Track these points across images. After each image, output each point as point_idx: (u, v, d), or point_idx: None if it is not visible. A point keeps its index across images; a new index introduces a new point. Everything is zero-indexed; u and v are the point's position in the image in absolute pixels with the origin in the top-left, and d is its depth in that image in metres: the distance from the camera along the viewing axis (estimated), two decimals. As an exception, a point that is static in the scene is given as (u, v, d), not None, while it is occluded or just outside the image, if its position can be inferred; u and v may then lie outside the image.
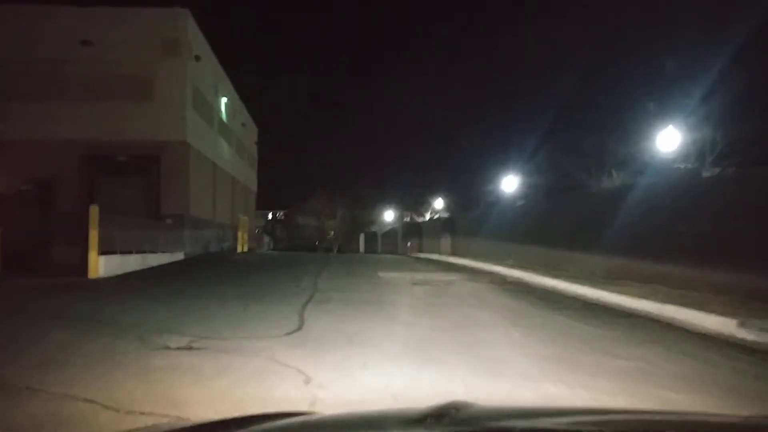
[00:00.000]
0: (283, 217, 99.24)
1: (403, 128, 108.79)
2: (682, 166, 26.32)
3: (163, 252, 25.29)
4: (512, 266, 23.34)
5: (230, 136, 40.77)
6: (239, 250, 36.42)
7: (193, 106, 29.49)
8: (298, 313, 10.65)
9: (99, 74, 27.45)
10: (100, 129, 27.37)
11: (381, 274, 20.85)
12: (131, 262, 20.71)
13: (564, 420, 2.18)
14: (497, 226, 31.64)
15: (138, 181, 28.03)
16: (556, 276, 18.05)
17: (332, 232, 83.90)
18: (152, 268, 21.75)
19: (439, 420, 1.91)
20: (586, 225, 20.64)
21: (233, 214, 39.30)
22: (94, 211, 18.84)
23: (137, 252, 21.99)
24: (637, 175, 25.19)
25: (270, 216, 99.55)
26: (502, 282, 18.85)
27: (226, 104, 38.39)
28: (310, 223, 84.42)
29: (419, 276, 20.31)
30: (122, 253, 20.53)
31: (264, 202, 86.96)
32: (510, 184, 39.50)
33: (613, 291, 13.42)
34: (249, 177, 51.15)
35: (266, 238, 73.08)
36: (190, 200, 29.13)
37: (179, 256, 27.01)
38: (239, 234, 36.75)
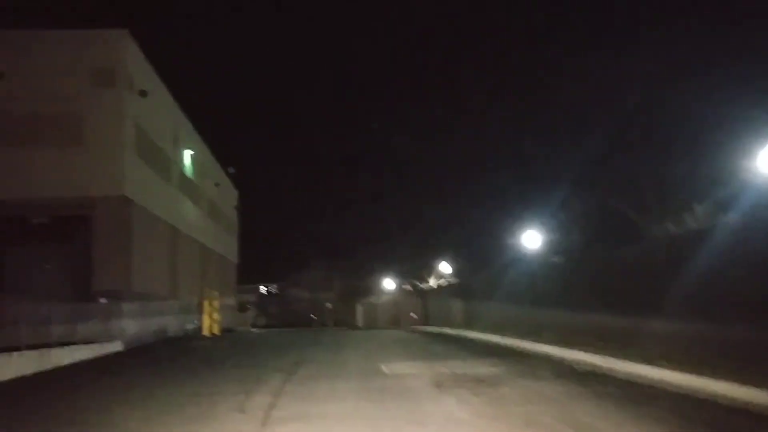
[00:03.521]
0: (275, 291, 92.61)
1: (402, 187, 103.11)
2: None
3: (88, 343, 18.56)
4: (556, 342, 17.57)
5: (198, 196, 34.46)
6: (206, 332, 29.58)
7: (137, 154, 23.26)
8: None
9: (11, 113, 21.31)
10: (11, 183, 21.03)
11: (385, 366, 14.14)
12: (7, 366, 13.81)
13: None
14: (522, 289, 25.23)
15: (60, 250, 21.51)
16: (646, 359, 12.45)
17: (329, 305, 77.06)
18: (46, 373, 14.92)
19: None
20: (658, 281, 14.66)
21: (205, 289, 32.57)
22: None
23: (34, 347, 15.26)
24: (727, 208, 19.10)
25: (262, 290, 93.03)
26: (579, 376, 12.10)
27: (193, 157, 32.25)
28: (305, 296, 77.86)
29: (441, 367, 13.66)
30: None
31: (254, 275, 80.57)
32: (533, 239, 32.94)
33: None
34: (227, 245, 44.69)
35: (252, 315, 66.15)
36: (132, 272, 22.55)
37: (114, 346, 20.24)
38: (206, 313, 30.01)
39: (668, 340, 13.67)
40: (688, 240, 16.80)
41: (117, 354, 19.55)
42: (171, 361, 17.21)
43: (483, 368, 13.39)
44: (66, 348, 16.82)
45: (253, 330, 51.34)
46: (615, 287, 18.13)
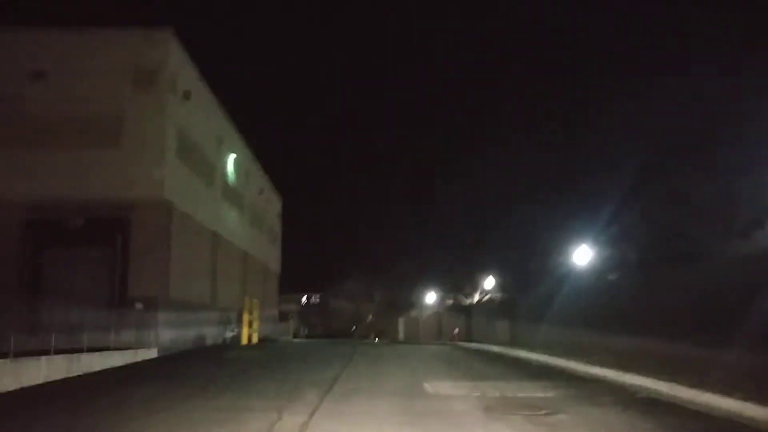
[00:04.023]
0: (318, 301, 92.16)
1: (449, 200, 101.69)
2: None
3: (121, 349, 17.97)
4: (610, 365, 16.23)
5: (240, 203, 33.95)
6: (245, 341, 28.92)
7: (177, 156, 22.74)
8: None
9: (52, 114, 21.05)
10: (50, 185, 20.71)
11: (428, 385, 13.14)
12: (36, 370, 13.20)
13: None
14: (572, 307, 23.88)
15: (98, 254, 21.01)
16: (716, 389, 11.04)
17: (370, 317, 76.16)
18: (72, 379, 14.30)
19: None
20: (725, 304, 13.64)
21: (245, 297, 31.93)
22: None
23: (64, 352, 14.68)
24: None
25: (304, 300, 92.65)
26: (641, 404, 10.91)
27: (236, 162, 31.75)
28: (346, 307, 77.08)
29: (488, 388, 12.58)
30: (29, 354, 13.19)
31: (296, 284, 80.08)
32: (583, 255, 31.49)
33: None
34: (269, 254, 44.14)
35: (293, 325, 65.55)
36: (170, 278, 21.95)
37: (148, 353, 19.66)
38: (245, 322, 29.35)
39: (737, 368, 12.39)
40: (762, 260, 15.32)
41: (150, 361, 18.96)
42: (204, 371, 16.46)
43: (535, 391, 12.29)
44: (97, 354, 16.24)
45: (294, 340, 50.74)
46: (673, 308, 16.83)
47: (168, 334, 21.55)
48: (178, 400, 10.66)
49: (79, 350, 15.40)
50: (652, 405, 10.87)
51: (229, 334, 29.18)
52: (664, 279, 18.28)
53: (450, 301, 64.49)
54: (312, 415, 9.13)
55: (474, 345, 35.11)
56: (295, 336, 60.40)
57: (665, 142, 26.95)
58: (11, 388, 11.74)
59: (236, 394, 11.63)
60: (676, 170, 25.51)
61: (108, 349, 17.05)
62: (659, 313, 17.33)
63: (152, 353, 20.02)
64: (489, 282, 58.38)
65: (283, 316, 67.46)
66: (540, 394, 11.82)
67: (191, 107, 23.72)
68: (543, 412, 9.71)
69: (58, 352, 14.32)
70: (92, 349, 16.03)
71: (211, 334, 27.32)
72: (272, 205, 45.01)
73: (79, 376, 14.70)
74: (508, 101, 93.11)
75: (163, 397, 11.12)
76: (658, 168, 26.68)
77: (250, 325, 29.99)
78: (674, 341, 15.97)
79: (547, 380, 14.53)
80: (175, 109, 22.30)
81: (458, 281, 65.98)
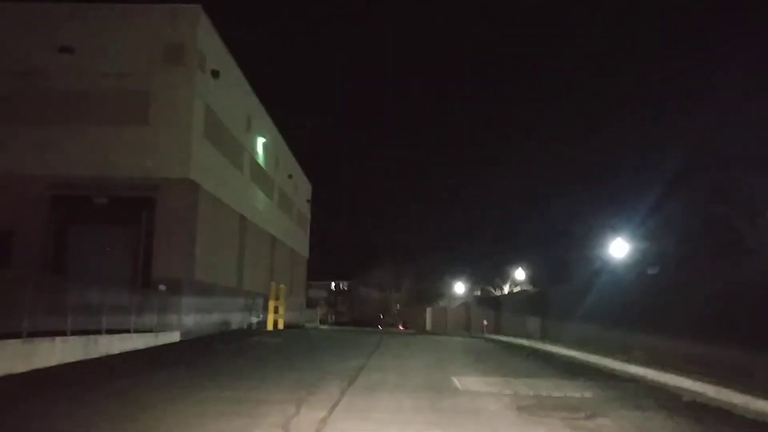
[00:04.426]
0: (346, 288, 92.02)
1: (476, 190, 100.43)
2: None
3: (143, 332, 17.53)
4: (647, 364, 15.48)
5: (270, 186, 33.43)
6: (271, 327, 28.44)
7: (206, 137, 22.21)
8: None
9: (79, 89, 20.65)
10: (76, 161, 20.32)
11: (457, 380, 12.40)
12: (49, 352, 12.70)
13: None
14: (607, 302, 22.82)
15: (122, 233, 20.61)
16: None
17: (397, 305, 75.61)
18: (88, 362, 13.83)
19: None
20: None
21: (272, 282, 31.44)
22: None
23: (83, 333, 14.22)
24: None
25: (333, 287, 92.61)
26: (689, 409, 10.07)
27: (265, 145, 31.19)
28: (374, 295, 76.63)
29: (521, 386, 11.82)
30: (45, 335, 12.71)
31: (324, 272, 79.86)
32: (620, 248, 30.40)
33: None
34: (298, 239, 43.65)
35: (320, 312, 65.18)
36: (195, 260, 21.49)
37: (170, 337, 19.21)
38: (271, 307, 28.85)
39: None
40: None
41: (171, 345, 18.49)
42: (224, 357, 15.93)
43: (571, 391, 11.47)
44: (117, 336, 15.78)
45: (322, 327, 50.33)
46: (719, 305, 15.84)
47: (191, 317, 21.11)
48: (193, 389, 10.06)
49: (97, 332, 14.94)
50: (700, 411, 10.01)
51: (254, 320, 28.74)
52: (707, 274, 17.24)
53: (478, 292, 63.61)
54: (332, 410, 8.47)
55: (503, 338, 34.22)
56: (322, 323, 60.06)
57: (710, 134, 25.77)
58: (21, 370, 11.24)
59: (254, 383, 11.02)
60: (722, 162, 24.38)
61: (128, 331, 16.58)
62: (700, 310, 16.38)
63: (174, 337, 19.57)
64: (519, 274, 57.36)
65: (311, 303, 67.25)
66: (577, 395, 11.02)
67: (220, 86, 23.16)
68: (582, 415, 8.93)
69: (75, 333, 13.86)
70: (111, 331, 15.57)
71: (236, 318, 26.89)
72: (302, 190, 44.47)
73: (95, 359, 14.24)
74: (547, 88, 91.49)
75: (176, 385, 10.55)
76: (703, 160, 25.55)
77: (276, 311, 29.48)
78: (715, 341, 15.04)
79: (582, 379, 13.69)
80: (204, 86, 21.76)
81: (488, 272, 65.09)
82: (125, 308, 17.20)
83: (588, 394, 11.08)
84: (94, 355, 14.37)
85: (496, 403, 9.75)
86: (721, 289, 15.81)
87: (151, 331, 18.17)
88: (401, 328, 60.58)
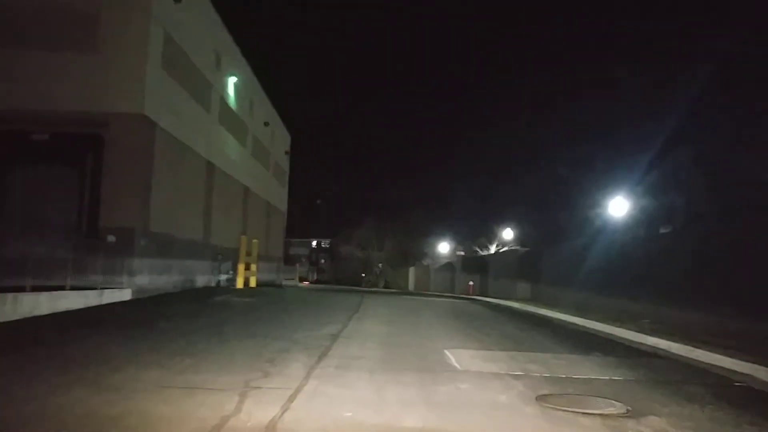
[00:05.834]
0: (327, 247, 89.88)
1: (459, 141, 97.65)
2: None
3: (83, 289, 15.04)
4: (667, 336, 13.12)
5: (243, 133, 30.69)
6: (241, 286, 26.00)
7: (163, 67, 19.42)
8: None
9: (14, 9, 17.69)
10: (12, 92, 17.52)
11: (451, 355, 10.10)
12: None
13: None
14: (606, 264, 20.83)
15: (66, 174, 17.95)
16: None
17: (380, 265, 73.58)
18: (3, 325, 11.35)
19: None
20: None
21: (242, 236, 28.92)
22: None
23: (3, 290, 11.74)
24: None
25: (314, 244, 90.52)
26: (761, 403, 7.84)
27: (237, 86, 28.36)
28: (356, 254, 74.47)
29: (531, 365, 9.58)
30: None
31: (305, 229, 77.57)
32: (621, 206, 28.19)
33: None
34: (275, 192, 41.02)
35: (300, 269, 63.02)
36: (151, 208, 18.91)
37: (118, 295, 16.73)
38: (241, 264, 26.35)
39: None
40: None
41: (116, 305, 15.98)
42: (174, 322, 13.46)
43: (594, 371, 9.17)
44: (47, 294, 13.28)
45: (301, 285, 48.18)
46: (730, 269, 13.83)
47: (146, 273, 18.63)
48: (118, 367, 7.62)
49: (21, 289, 12.45)
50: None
51: (223, 277, 26.30)
52: (722, 235, 15.03)
53: (463, 252, 61.52)
54: (288, 404, 6.09)
55: (491, 300, 32.17)
56: (302, 281, 57.93)
57: (723, 74, 23.10)
58: None
59: (197, 357, 8.60)
60: (738, 105, 21.86)
61: (62, 288, 14.09)
62: (713, 274, 14.31)
63: (124, 295, 17.10)
64: (507, 233, 55.26)
65: (291, 260, 64.90)
66: (603, 376, 8.74)
67: (184, 12, 20.31)
68: (622, 410, 6.62)
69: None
70: (40, 288, 13.09)
71: (203, 276, 24.44)
72: (279, 140, 41.67)
73: (16, 321, 11.80)
74: (541, 42, 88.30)
75: (96, 361, 8.10)
76: (715, 104, 23.00)
77: (248, 267, 27.01)
78: (733, 310, 13.00)
79: (599, 352, 11.46)
80: (162, 9, 18.91)
81: (474, 231, 62.98)
82: (63, 261, 14.73)
83: (617, 376, 8.81)
84: (14, 317, 11.88)
85: (505, 389, 7.43)
86: (738, 251, 13.78)
87: (94, 288, 15.70)
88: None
